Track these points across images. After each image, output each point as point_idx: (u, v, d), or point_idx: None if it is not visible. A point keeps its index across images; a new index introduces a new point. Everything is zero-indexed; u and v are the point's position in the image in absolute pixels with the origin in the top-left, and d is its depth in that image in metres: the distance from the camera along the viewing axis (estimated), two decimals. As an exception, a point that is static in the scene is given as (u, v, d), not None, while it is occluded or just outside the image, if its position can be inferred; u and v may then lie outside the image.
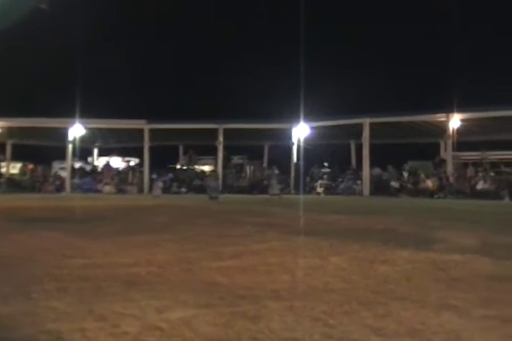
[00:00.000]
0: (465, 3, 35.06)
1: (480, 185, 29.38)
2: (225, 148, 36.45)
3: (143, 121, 35.27)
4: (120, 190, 35.23)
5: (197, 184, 35.72)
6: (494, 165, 31.98)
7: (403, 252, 8.30)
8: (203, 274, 6.53)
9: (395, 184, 32.29)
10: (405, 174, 32.77)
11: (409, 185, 31.89)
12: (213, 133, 35.44)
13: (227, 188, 34.31)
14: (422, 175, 31.90)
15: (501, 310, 4.88)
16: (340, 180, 35.05)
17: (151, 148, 35.97)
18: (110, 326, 4.35)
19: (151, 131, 35.34)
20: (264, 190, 33.77)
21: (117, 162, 41.66)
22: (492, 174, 30.23)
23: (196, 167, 39.47)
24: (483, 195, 28.36)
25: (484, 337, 4.14)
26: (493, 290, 5.73)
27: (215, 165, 37.07)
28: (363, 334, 4.17)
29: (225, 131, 35.37)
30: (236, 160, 39.83)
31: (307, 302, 5.12)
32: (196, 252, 8.20)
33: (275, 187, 26.99)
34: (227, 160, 37.78)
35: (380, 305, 5.03)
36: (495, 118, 30.18)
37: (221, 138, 35.68)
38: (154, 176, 35.48)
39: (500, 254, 8.28)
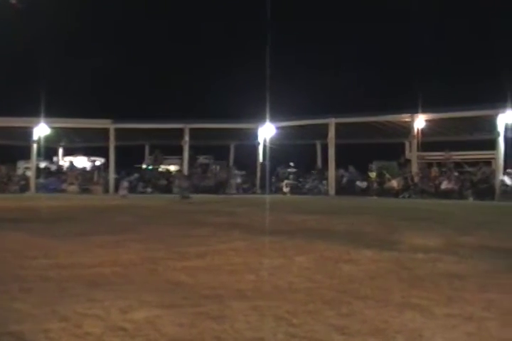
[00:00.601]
0: (432, 4, 35.36)
1: (444, 185, 29.62)
2: (191, 147, 36.35)
3: (108, 121, 35.05)
4: (85, 190, 34.97)
5: (163, 184, 35.60)
6: (458, 165, 32.26)
7: (368, 252, 8.36)
8: (167, 274, 6.52)
9: (360, 184, 32.45)
10: (371, 174, 32.87)
11: (374, 185, 32.05)
12: (179, 132, 35.31)
13: (193, 188, 34.20)
14: (387, 175, 32.10)
15: (463, 309, 4.94)
16: (306, 179, 35.12)
17: (116, 148, 35.75)
18: (73, 327, 4.32)
19: (117, 130, 35.12)
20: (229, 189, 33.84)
21: (83, 161, 41.32)
22: (456, 174, 30.48)
23: (162, 167, 39.29)
24: (447, 194, 28.60)
25: (446, 335, 4.18)
26: (456, 289, 5.79)
27: (181, 164, 36.96)
28: (327, 334, 4.19)
29: (191, 130, 35.27)
30: (202, 159, 39.72)
31: (271, 301, 5.14)
32: (161, 252, 8.18)
33: (233, 187, 26.82)
34: (193, 159, 37.67)
35: (344, 304, 5.06)
36: (458, 118, 30.50)
37: (187, 138, 35.56)
38: (120, 176, 35.28)
39: (464, 253, 8.37)
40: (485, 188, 28.62)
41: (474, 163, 31.56)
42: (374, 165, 33.72)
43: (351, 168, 34.02)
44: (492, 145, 29.27)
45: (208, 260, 7.52)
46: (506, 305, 5.11)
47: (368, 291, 5.62)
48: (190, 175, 34.81)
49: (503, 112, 28.10)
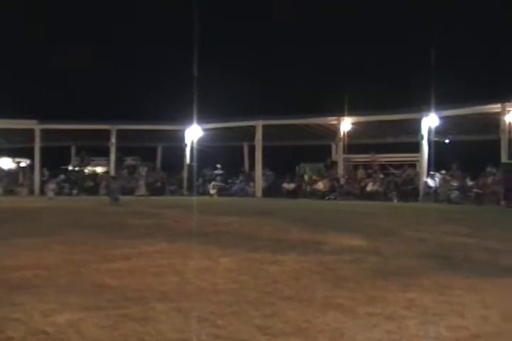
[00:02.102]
0: (362, 7, 35.83)
1: (369, 187, 30.01)
2: (118, 149, 35.99)
3: (34, 121, 34.42)
4: (10, 192, 34.28)
5: (89, 185, 35.17)
6: (383, 167, 32.74)
7: (293, 253, 8.42)
8: (91, 277, 6.46)
9: (287, 186, 32.63)
10: (305, 176, 33.00)
11: (308, 187, 32.24)
12: (106, 134, 34.93)
13: (121, 190, 33.84)
14: (314, 177, 32.37)
15: (385, 308, 5.04)
16: (233, 181, 35.16)
17: (42, 149, 35.16)
18: (-5, 331, 4.25)
19: (43, 131, 34.54)
20: (156, 191, 33.61)
21: (7, 163, 40.47)
22: (381, 176, 30.93)
23: (89, 168, 38.77)
24: (372, 196, 29.01)
25: (367, 334, 4.26)
26: (379, 289, 5.89)
27: (108, 166, 36.57)
28: (250, 334, 4.22)
29: (118, 131, 34.91)
30: (129, 161, 39.33)
31: (196, 303, 5.14)
32: (86, 254, 8.10)
33: (142, 188, 26.24)
34: (119, 161, 37.29)
35: (268, 304, 5.10)
36: (384, 121, 30.97)
37: (114, 139, 35.22)
38: (46, 178, 34.71)
39: (387, 254, 8.52)
40: (409, 190, 29.14)
41: (399, 166, 32.08)
42: (308, 168, 33.95)
43: (267, 171, 34.15)
44: (416, 148, 29.83)
45: (133, 262, 7.47)
46: (426, 303, 5.23)
47: (292, 292, 5.67)
48: (119, 177, 34.44)
49: (427, 116, 28.66)
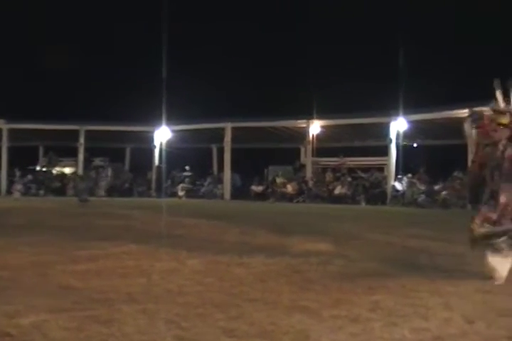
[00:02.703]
0: (330, 10, 35.93)
1: (338, 190, 30.17)
2: (87, 149, 35.83)
3: (2, 121, 34.14)
4: (-25, 192, 34.00)
5: (56, 186, 34.95)
6: (351, 170, 32.93)
7: (259, 255, 8.44)
8: (57, 278, 6.43)
9: (255, 188, 32.68)
10: (277, 179, 33.01)
11: (279, 190, 32.32)
12: (75, 134, 34.76)
13: (90, 190, 33.67)
14: (283, 180, 32.46)
15: (350, 310, 5.07)
16: (201, 183, 35.14)
17: (9, 149, 34.91)
18: (-44, 334, 4.22)
19: (10, 130, 34.30)
20: (124, 192, 33.54)
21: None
22: (349, 179, 31.10)
23: (57, 169, 38.50)
24: (340, 199, 29.18)
25: (332, 336, 4.28)
26: (345, 291, 5.93)
27: (76, 167, 36.39)
28: (215, 336, 4.23)
29: (87, 132, 34.78)
30: (97, 162, 39.12)
31: (161, 305, 5.15)
32: (51, 256, 8.05)
33: (84, 192, 25.05)
34: (88, 162, 37.10)
35: (234, 307, 5.11)
36: (352, 125, 31.22)
37: (82, 140, 35.08)
38: (13, 178, 34.45)
39: (353, 256, 8.58)
40: (377, 193, 29.36)
41: (367, 169, 32.28)
42: (281, 171, 34.00)
43: (235, 176, 34.21)
44: (384, 151, 30.05)
45: (100, 263, 7.44)
46: (391, 306, 5.28)
47: (258, 294, 5.69)
48: (87, 177, 34.23)
49: (395, 120, 28.92)
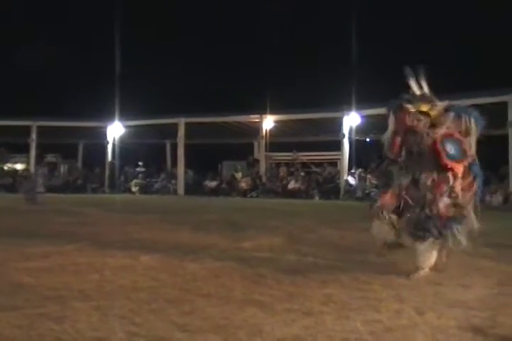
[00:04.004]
0: (285, 6, 35.94)
1: (291, 185, 30.26)
2: (39, 145, 35.44)
3: (-47, 117, 33.66)
4: None
5: (7, 182, 34.49)
6: (305, 165, 33.06)
7: (213, 250, 8.48)
8: (9, 275, 6.35)
9: (209, 183, 32.66)
10: (236, 174, 32.96)
11: (223, 185, 32.34)
12: (26, 130, 34.36)
13: (40, 187, 33.31)
14: (236, 175, 32.47)
15: (303, 304, 5.11)
16: (155, 179, 35.01)
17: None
18: None
19: (-39, 126, 33.82)
20: (77, 189, 33.24)
21: None
22: (303, 174, 31.22)
23: (8, 165, 37.99)
24: (294, 193, 29.29)
25: (285, 330, 4.32)
26: (298, 285, 5.97)
27: (28, 163, 35.98)
28: (168, 331, 4.23)
29: (39, 128, 34.40)
30: (49, 158, 38.70)
31: (114, 301, 5.13)
32: (3, 253, 7.95)
33: (30, 190, 23.42)
34: (40, 158, 36.69)
35: (187, 302, 5.12)
36: (306, 120, 31.34)
37: (34, 136, 34.70)
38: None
39: (306, 250, 8.64)
40: (330, 188, 29.52)
41: (321, 164, 32.46)
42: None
43: (189, 171, 34.23)
44: (337, 146, 30.24)
45: (52, 260, 7.38)
46: (343, 299, 5.33)
47: (211, 289, 5.70)
48: (33, 175, 33.78)
49: (348, 114, 29.11)
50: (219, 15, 39.52)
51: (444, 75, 26.90)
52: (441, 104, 6.54)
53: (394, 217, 6.47)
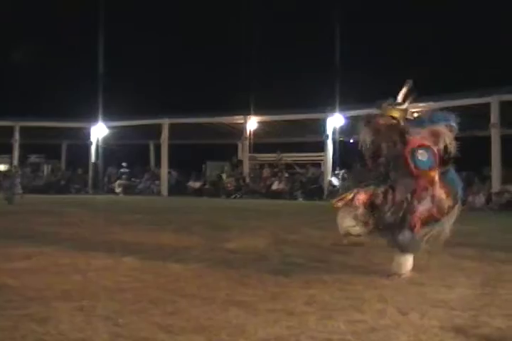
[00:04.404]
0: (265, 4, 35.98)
1: (275, 185, 30.32)
2: (22, 146, 35.30)
3: None
4: None
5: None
6: (289, 166, 33.10)
7: (196, 251, 8.49)
8: (-9, 277, 6.33)
9: (192, 184, 32.65)
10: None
11: (207, 186, 32.34)
12: (9, 130, 34.20)
13: (23, 188, 33.13)
14: (220, 176, 32.48)
15: (286, 304, 5.12)
16: (138, 180, 34.96)
17: None
18: None
19: None
20: (61, 189, 33.10)
21: None
22: (286, 175, 31.27)
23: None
24: (278, 194, 29.32)
25: (268, 330, 4.32)
26: (281, 286, 5.98)
27: (11, 164, 35.81)
28: (151, 332, 4.22)
29: (22, 128, 34.27)
30: (33, 159, 38.57)
31: (98, 302, 5.11)
32: (-16, 254, 7.92)
33: (8, 190, 22.79)
34: (23, 158, 36.56)
35: (170, 302, 5.11)
36: (289, 121, 31.40)
37: (17, 136, 34.55)
38: None
39: (290, 251, 8.66)
40: (314, 189, 29.58)
41: (304, 165, 32.51)
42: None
43: (173, 172, 34.20)
44: (321, 147, 30.30)
45: (35, 261, 7.35)
46: (326, 299, 5.35)
47: (194, 290, 5.70)
48: (13, 174, 33.55)
49: (332, 116, 29.19)
50: (203, 16, 39.44)
51: (428, 77, 27.11)
52: (416, 112, 6.57)
53: (364, 210, 6.46)
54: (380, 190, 6.46)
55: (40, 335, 4.12)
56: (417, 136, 6.38)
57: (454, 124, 6.57)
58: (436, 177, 6.34)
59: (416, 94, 6.60)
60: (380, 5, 34.74)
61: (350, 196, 6.54)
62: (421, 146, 6.31)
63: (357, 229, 6.51)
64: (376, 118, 6.44)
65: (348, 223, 6.50)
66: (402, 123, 6.37)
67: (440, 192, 6.38)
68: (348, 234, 6.62)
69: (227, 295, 5.48)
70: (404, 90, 6.57)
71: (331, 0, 32.31)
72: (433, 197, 6.32)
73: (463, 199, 7.04)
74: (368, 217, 6.45)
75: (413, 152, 6.25)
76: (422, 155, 6.26)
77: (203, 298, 5.34)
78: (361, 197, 6.48)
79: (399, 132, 6.38)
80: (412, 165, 6.22)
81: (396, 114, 6.39)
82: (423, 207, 6.33)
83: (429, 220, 6.44)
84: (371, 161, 6.70)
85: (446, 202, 6.48)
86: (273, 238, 10.39)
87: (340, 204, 6.61)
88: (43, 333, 4.17)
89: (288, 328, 4.36)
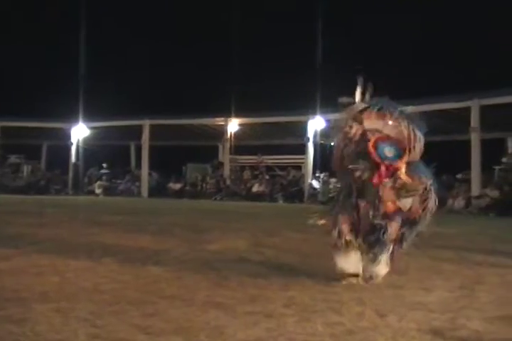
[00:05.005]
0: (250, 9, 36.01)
1: (256, 188, 30.36)
2: (1, 146, 35.14)
3: None
4: None
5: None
6: (269, 168, 33.16)
7: (176, 252, 8.47)
8: (-32, 277, 6.29)
9: (173, 186, 32.61)
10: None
11: (188, 187, 32.33)
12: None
13: (3, 188, 33.06)
14: (201, 177, 32.48)
15: (265, 306, 5.12)
16: (119, 181, 34.88)
17: None
18: None
19: None
20: (40, 190, 32.96)
21: None
22: (267, 177, 31.31)
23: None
24: (258, 197, 29.36)
25: (247, 332, 4.31)
26: (260, 288, 5.97)
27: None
28: (130, 333, 4.20)
29: (2, 128, 34.14)
30: (13, 159, 38.39)
31: (76, 303, 5.08)
32: (-38, 254, 7.87)
33: None
34: (3, 159, 36.42)
35: (149, 304, 5.09)
36: (270, 123, 31.48)
37: (-3, 137, 34.47)
38: None
39: (269, 253, 8.67)
40: (294, 191, 29.64)
41: (285, 167, 32.58)
42: (187, 168, 34.01)
43: (153, 174, 34.16)
44: (302, 150, 30.37)
45: (13, 262, 7.30)
46: (305, 301, 5.36)
47: (174, 291, 5.69)
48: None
49: (313, 118, 29.26)
50: (185, 18, 39.44)
51: (409, 81, 27.27)
52: (374, 108, 6.41)
53: (354, 239, 6.41)
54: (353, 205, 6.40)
55: (17, 336, 4.09)
56: (379, 131, 6.23)
57: (415, 119, 6.46)
58: (403, 168, 6.23)
59: (371, 89, 6.51)
60: (363, 5, 34.95)
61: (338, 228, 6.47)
62: (385, 140, 6.19)
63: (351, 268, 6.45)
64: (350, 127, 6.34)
65: (352, 264, 6.43)
66: (363, 121, 6.24)
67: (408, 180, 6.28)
68: (344, 275, 6.53)
69: (207, 296, 5.47)
70: (359, 88, 6.49)
71: (313, 1, 32.44)
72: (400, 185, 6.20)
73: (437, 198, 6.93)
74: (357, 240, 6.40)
75: (377, 146, 6.15)
76: (386, 148, 6.17)
77: (183, 299, 5.33)
78: (345, 222, 6.45)
79: (361, 130, 6.24)
80: (375, 157, 6.13)
81: (356, 114, 6.30)
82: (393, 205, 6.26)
83: (405, 220, 6.40)
84: (337, 167, 6.68)
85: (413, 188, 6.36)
86: (253, 240, 10.39)
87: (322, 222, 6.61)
88: (20, 334, 4.14)
89: (267, 330, 4.36)
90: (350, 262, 6.39)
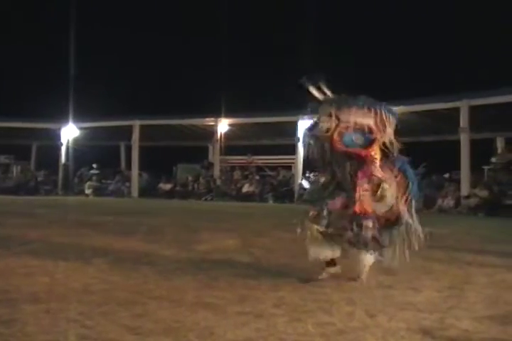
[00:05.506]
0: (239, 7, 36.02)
1: (246, 188, 30.31)
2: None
3: None
4: None
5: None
6: (260, 169, 33.14)
7: (166, 252, 8.47)
8: (-43, 278, 6.27)
9: (163, 186, 32.56)
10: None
11: (178, 188, 32.28)
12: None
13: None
14: (191, 178, 32.43)
15: (255, 307, 5.13)
16: (109, 181, 34.79)
17: None
18: None
19: None
20: (30, 190, 32.85)
21: None
22: (257, 177, 31.27)
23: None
24: (248, 197, 29.32)
25: (237, 332, 4.32)
26: (250, 288, 5.98)
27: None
28: (119, 334, 4.21)
29: (-9, 129, 34.03)
30: (2, 159, 38.26)
31: (65, 304, 5.08)
32: (-49, 256, 7.84)
33: None
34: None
35: (138, 304, 5.09)
36: (260, 123, 31.44)
37: (-14, 137, 34.31)
38: None
39: (259, 253, 8.68)
40: (284, 191, 29.61)
41: (275, 167, 32.55)
42: (177, 168, 33.97)
43: (144, 174, 34.10)
44: (292, 150, 30.33)
45: (3, 263, 7.29)
46: (295, 301, 5.37)
47: (163, 292, 5.69)
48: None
49: (303, 119, 29.21)
50: (174, 17, 39.44)
51: (398, 81, 27.31)
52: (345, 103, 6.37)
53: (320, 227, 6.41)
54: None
55: (7, 337, 4.09)
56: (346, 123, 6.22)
57: (390, 111, 6.44)
58: (374, 155, 6.18)
59: (324, 83, 6.49)
60: (356, 8, 35.02)
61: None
62: (354, 130, 6.17)
63: (329, 254, 6.47)
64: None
65: (321, 251, 6.45)
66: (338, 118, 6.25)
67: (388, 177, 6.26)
68: (317, 262, 6.54)
69: (196, 297, 5.47)
70: (311, 87, 6.46)
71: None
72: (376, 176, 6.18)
73: (420, 197, 6.91)
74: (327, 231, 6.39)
75: (341, 136, 6.14)
76: (353, 137, 6.17)
77: (172, 300, 5.33)
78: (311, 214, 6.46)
79: (334, 125, 6.22)
80: (338, 145, 6.12)
81: (328, 111, 6.31)
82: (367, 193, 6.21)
83: (387, 222, 6.39)
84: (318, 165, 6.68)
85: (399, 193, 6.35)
86: (243, 240, 10.41)
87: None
88: (9, 335, 4.14)
89: (257, 330, 4.37)
90: (320, 249, 6.44)
